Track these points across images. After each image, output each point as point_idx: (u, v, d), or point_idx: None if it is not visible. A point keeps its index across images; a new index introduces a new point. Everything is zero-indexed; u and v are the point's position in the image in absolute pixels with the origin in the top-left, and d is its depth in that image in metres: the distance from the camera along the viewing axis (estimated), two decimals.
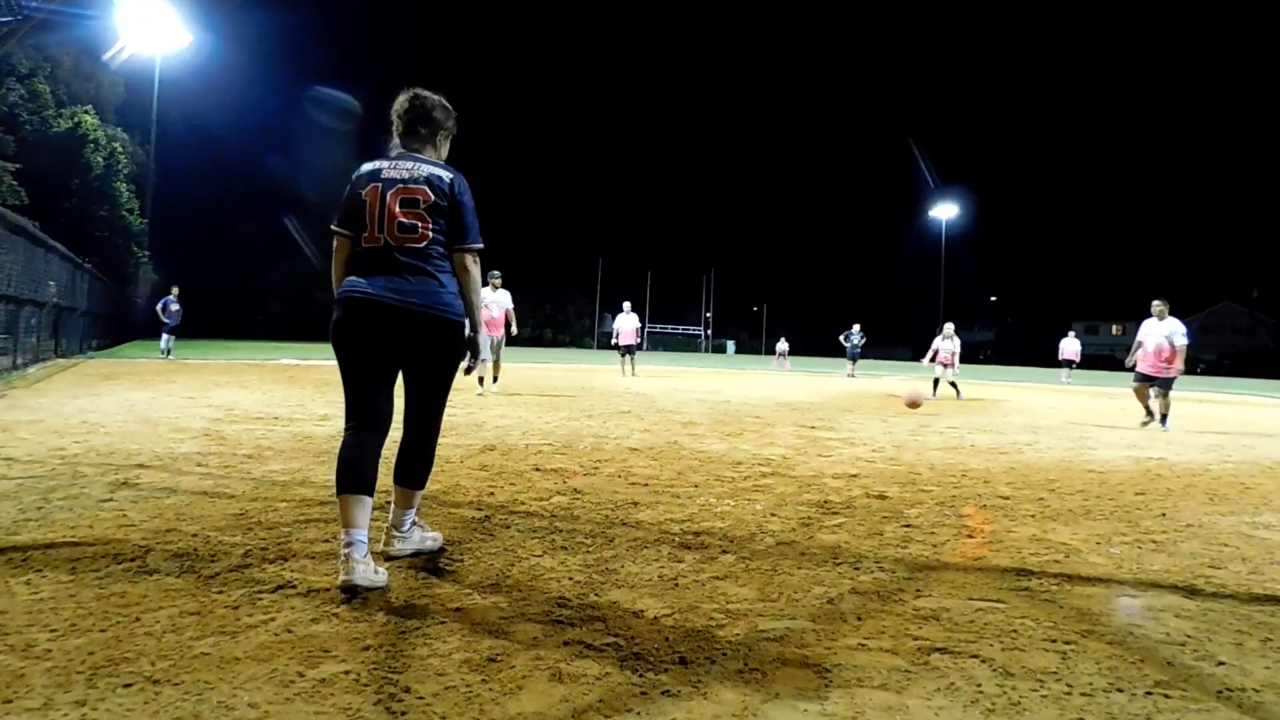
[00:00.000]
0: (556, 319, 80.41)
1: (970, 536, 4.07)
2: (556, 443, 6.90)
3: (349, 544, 2.83)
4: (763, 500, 4.75)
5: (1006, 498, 5.15)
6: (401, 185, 3.07)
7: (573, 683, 2.12)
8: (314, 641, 2.34)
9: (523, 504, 4.36)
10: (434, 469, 5.05)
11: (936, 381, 16.65)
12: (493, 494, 4.60)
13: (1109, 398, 12.04)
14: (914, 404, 11.14)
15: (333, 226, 3.17)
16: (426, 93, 3.28)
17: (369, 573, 2.84)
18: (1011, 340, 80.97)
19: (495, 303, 12.80)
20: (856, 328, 26.27)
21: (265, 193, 61.78)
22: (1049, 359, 30.61)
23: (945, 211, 62.14)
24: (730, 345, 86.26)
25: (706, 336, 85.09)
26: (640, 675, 2.19)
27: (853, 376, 26.21)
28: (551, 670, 2.19)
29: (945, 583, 3.19)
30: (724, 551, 3.55)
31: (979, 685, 2.20)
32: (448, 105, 3.34)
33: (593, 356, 42.84)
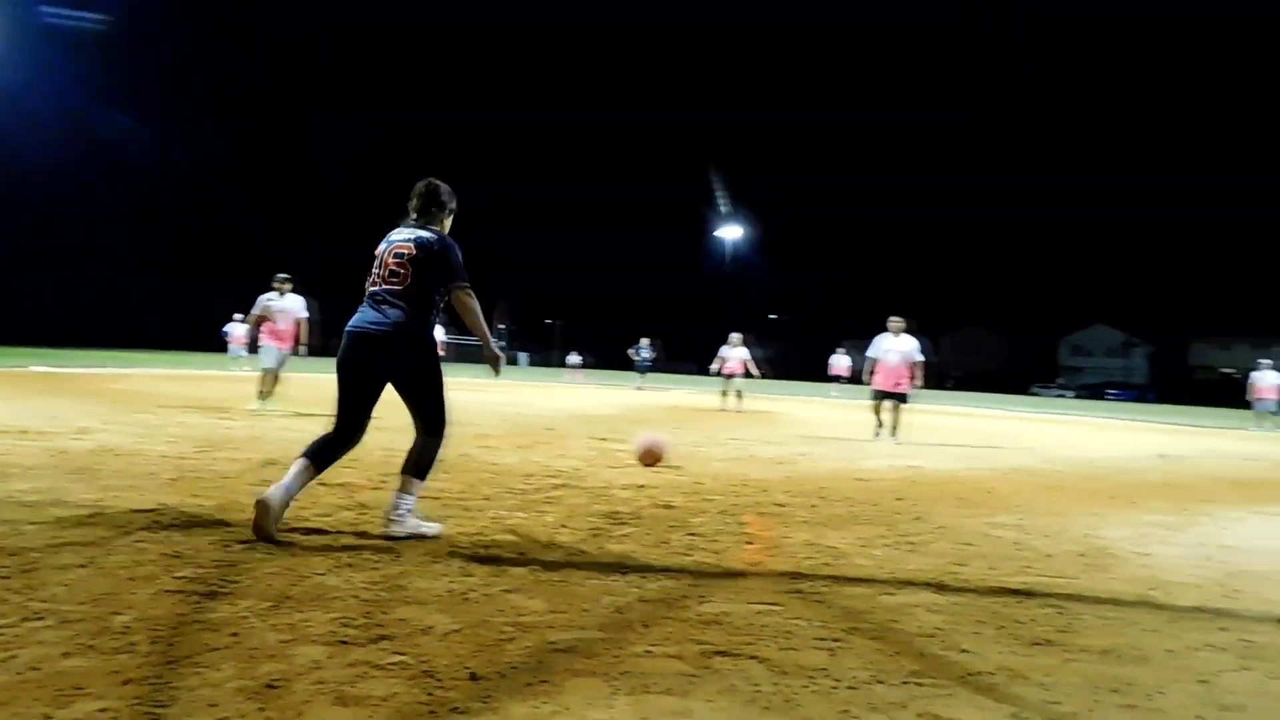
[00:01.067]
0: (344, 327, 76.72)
1: (750, 543, 4.28)
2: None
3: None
4: (554, 512, 4.78)
5: (783, 505, 5.46)
6: (399, 243, 3.97)
7: (357, 705, 2.06)
8: (65, 678, 2.12)
9: (305, 520, 4.16)
10: (209, 485, 4.79)
11: (724, 393, 17.49)
12: None
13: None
14: (650, 458, 7.11)
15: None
16: (439, 181, 4.20)
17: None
18: (789, 356, 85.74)
19: (283, 311, 11.13)
20: (645, 341, 26.96)
21: (18, 187, 54.86)
22: (822, 374, 32.62)
23: (730, 233, 65.08)
24: (523, 358, 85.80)
25: (500, 349, 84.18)
26: (429, 693, 2.15)
27: (641, 389, 26.87)
28: (335, 694, 2.11)
29: (727, 588, 3.35)
30: (515, 564, 3.55)
31: (757, 685, 2.33)
32: (452, 191, 4.23)
33: None
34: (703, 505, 5.29)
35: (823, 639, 2.76)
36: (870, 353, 11.23)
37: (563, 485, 5.80)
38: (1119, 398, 60.11)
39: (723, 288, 66.66)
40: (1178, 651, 2.84)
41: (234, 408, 10.87)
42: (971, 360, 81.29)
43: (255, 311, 11.24)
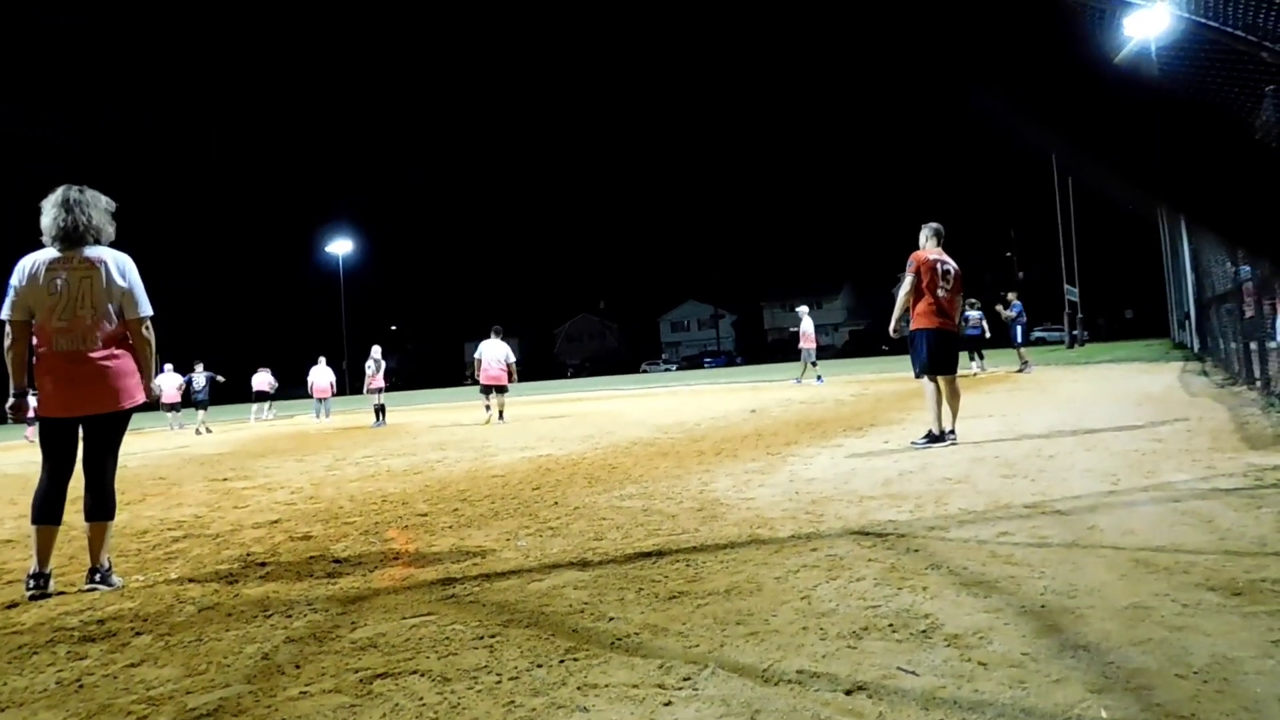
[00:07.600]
0: None
1: (397, 559, 4.24)
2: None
3: None
4: (177, 567, 4.35)
5: (425, 514, 5.45)
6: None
7: None
8: None
9: None
10: None
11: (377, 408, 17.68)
12: None
13: (504, 406, 14.06)
14: None
15: None
16: None
17: None
18: (413, 364, 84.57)
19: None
20: (200, 368, 22.55)
21: None
22: (452, 379, 32.75)
23: (341, 247, 62.44)
24: None
25: None
26: None
27: (259, 419, 24.95)
28: None
29: (379, 608, 3.30)
30: (137, 633, 3.19)
31: (421, 699, 2.34)
32: None
33: None
34: (343, 530, 5.11)
35: (481, 637, 2.83)
36: (478, 355, 14.87)
37: (184, 536, 5.27)
38: (714, 364, 67.20)
39: (340, 303, 63.54)
40: (783, 577, 3.31)
41: None
42: (586, 347, 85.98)
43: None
